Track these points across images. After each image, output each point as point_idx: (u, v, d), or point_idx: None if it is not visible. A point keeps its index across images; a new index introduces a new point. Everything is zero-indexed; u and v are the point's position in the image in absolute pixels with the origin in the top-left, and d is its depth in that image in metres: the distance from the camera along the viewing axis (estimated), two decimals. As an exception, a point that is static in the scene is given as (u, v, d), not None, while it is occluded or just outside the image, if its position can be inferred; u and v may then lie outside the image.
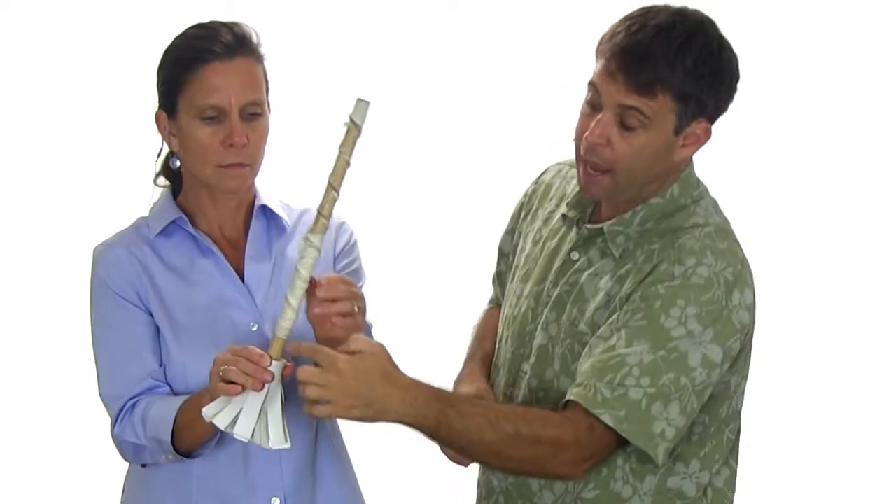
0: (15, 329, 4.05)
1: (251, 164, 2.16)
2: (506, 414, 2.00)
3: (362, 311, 2.10)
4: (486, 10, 4.13)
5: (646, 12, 2.02)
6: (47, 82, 4.03)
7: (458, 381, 2.30)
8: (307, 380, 1.89)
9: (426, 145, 4.14)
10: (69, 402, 3.80)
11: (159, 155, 2.26)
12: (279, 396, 1.98)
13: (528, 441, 1.97)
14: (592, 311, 2.08)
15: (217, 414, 1.97)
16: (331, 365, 1.90)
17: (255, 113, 2.14)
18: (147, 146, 2.28)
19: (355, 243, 2.30)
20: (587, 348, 2.05)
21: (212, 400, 1.98)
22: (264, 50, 2.18)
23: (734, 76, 2.05)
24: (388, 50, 4.09)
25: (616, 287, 2.07)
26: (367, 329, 2.23)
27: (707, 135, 2.06)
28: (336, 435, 2.30)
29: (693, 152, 2.08)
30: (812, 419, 4.02)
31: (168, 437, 2.09)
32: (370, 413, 1.92)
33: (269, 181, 2.28)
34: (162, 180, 2.27)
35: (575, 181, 2.15)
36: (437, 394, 1.96)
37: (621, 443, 2.01)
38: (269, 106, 2.19)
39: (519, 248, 2.30)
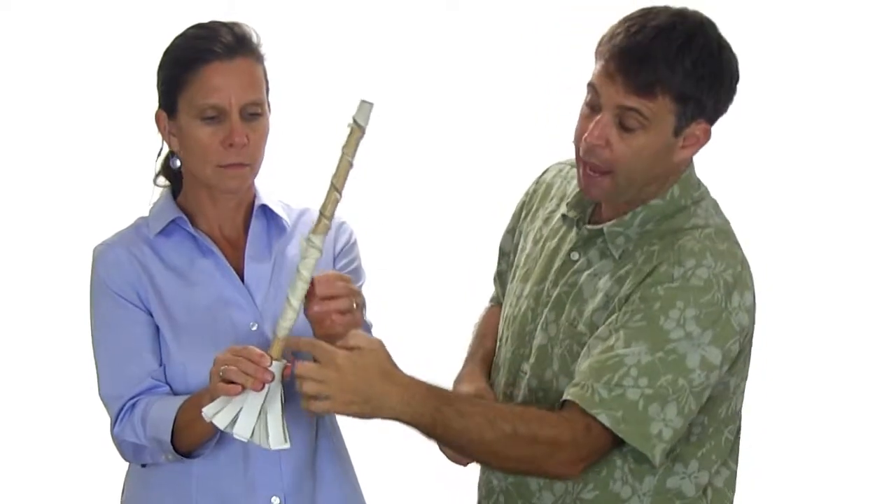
0: (15, 329, 4.05)
1: (251, 164, 2.16)
2: (503, 413, 2.00)
3: (361, 308, 2.10)
4: (486, 10, 4.13)
5: (645, 13, 2.01)
6: (47, 82, 4.03)
7: (457, 381, 2.30)
8: (305, 375, 1.90)
9: (426, 145, 4.15)
10: (69, 402, 3.80)
11: (159, 155, 2.26)
12: (279, 396, 1.98)
13: (526, 440, 1.97)
14: (591, 312, 2.08)
15: (217, 414, 1.97)
16: (329, 360, 1.90)
17: (255, 113, 2.14)
18: (147, 146, 2.28)
19: (355, 243, 2.30)
20: (585, 349, 2.05)
21: (212, 400, 1.98)
22: (264, 50, 2.18)
23: (734, 77, 2.04)
24: (388, 50, 4.09)
25: (615, 288, 2.06)
26: (366, 327, 2.23)
27: (706, 136, 2.05)
28: (336, 434, 2.30)
29: (693, 153, 2.08)
30: (812, 419, 4.02)
31: (168, 437, 2.09)
32: (367, 409, 1.92)
33: (269, 181, 2.28)
34: (162, 180, 2.27)
35: (575, 181, 2.15)
36: (434, 392, 1.96)
37: (618, 443, 2.01)
38: (269, 106, 2.19)
39: (519, 247, 2.30)
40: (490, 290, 2.48)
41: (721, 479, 2.15)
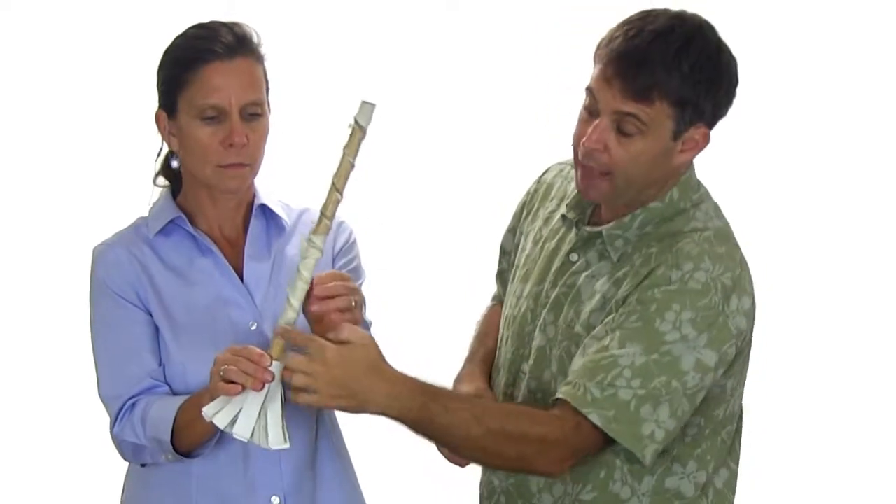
0: (15, 329, 4.05)
1: (251, 164, 2.16)
2: (491, 410, 2.01)
3: (360, 306, 2.11)
4: (486, 10, 4.13)
5: (644, 16, 2.01)
6: (47, 82, 4.03)
7: (457, 381, 2.30)
8: (294, 368, 1.91)
9: (426, 145, 4.14)
10: (69, 402, 3.80)
11: (159, 155, 2.26)
12: (279, 396, 1.98)
13: (513, 438, 1.97)
14: (588, 314, 2.08)
15: (217, 413, 1.97)
16: (318, 354, 1.91)
17: (255, 113, 2.14)
18: (147, 146, 2.28)
19: (354, 242, 2.30)
20: (581, 348, 2.05)
21: (212, 399, 1.98)
22: (264, 50, 2.18)
23: (732, 81, 2.03)
24: (388, 50, 4.09)
25: (612, 290, 2.06)
26: (365, 326, 2.23)
27: (706, 140, 2.05)
28: (336, 434, 2.30)
29: (692, 157, 2.07)
30: (812, 419, 4.02)
31: (168, 437, 2.10)
32: (354, 403, 1.93)
33: (269, 181, 2.28)
34: (161, 180, 2.27)
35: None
36: (422, 388, 1.96)
37: (608, 443, 2.01)
38: (269, 106, 2.19)
39: (520, 247, 2.30)
40: (490, 289, 2.48)
41: (721, 480, 2.15)
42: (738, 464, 2.18)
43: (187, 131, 2.14)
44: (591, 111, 2.03)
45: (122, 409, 2.16)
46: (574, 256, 2.14)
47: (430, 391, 1.97)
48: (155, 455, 2.15)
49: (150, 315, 2.18)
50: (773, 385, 3.81)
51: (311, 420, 2.21)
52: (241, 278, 2.21)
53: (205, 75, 2.12)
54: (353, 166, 1.98)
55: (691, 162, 2.10)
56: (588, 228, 2.13)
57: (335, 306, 2.04)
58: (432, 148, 4.15)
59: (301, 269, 1.99)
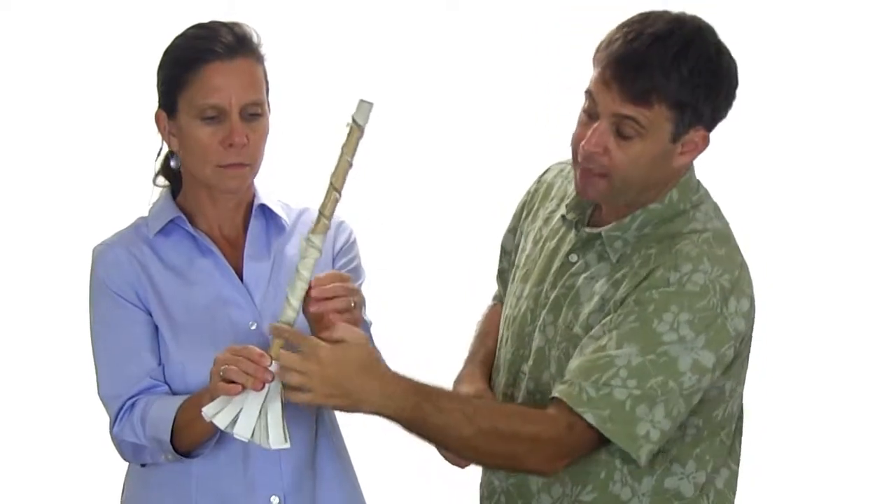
0: (15, 329, 4.05)
1: (251, 164, 2.16)
2: (483, 410, 2.01)
3: (359, 306, 2.11)
4: (486, 10, 4.13)
5: (643, 19, 2.00)
6: (47, 82, 4.03)
7: (458, 381, 2.30)
8: (288, 366, 1.92)
9: (426, 145, 4.14)
10: (69, 402, 3.80)
11: (159, 155, 2.26)
12: (279, 396, 1.98)
13: (505, 437, 1.98)
14: (587, 315, 2.08)
15: (217, 414, 1.97)
16: (312, 353, 1.92)
17: (255, 113, 2.14)
18: (147, 146, 2.28)
19: (354, 242, 2.30)
20: (579, 348, 2.05)
21: (212, 399, 1.98)
22: (264, 50, 2.18)
23: (732, 83, 2.03)
24: (388, 50, 4.09)
25: (611, 291, 2.06)
26: (365, 326, 2.23)
27: (705, 142, 2.05)
28: (336, 434, 2.30)
29: (691, 159, 2.07)
30: (812, 419, 4.02)
31: (167, 437, 2.10)
32: (348, 403, 1.94)
33: (269, 181, 2.28)
34: (161, 180, 2.27)
35: (576, 181, 2.15)
36: (415, 387, 1.97)
37: (602, 442, 2.01)
38: (269, 106, 2.19)
39: (520, 247, 2.30)
40: (490, 289, 2.48)
41: (721, 480, 2.14)
42: (738, 464, 2.18)
43: (187, 131, 2.14)
44: (590, 114, 2.03)
45: (121, 408, 2.16)
46: (574, 257, 2.14)
47: (424, 391, 1.97)
48: (155, 455, 2.15)
49: (150, 315, 2.18)
50: (773, 385, 3.81)
51: (310, 420, 2.21)
52: (241, 278, 2.21)
53: (205, 75, 2.12)
54: (351, 165, 1.98)
55: (691, 163, 2.10)
56: (587, 230, 2.13)
57: (333, 307, 2.04)
58: (432, 148, 4.15)
59: (300, 268, 2.00)
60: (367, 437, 2.68)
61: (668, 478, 2.09)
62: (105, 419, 2.20)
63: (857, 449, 4.00)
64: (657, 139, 2.00)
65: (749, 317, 2.06)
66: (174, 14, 3.57)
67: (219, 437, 2.11)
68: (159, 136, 2.22)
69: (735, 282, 2.03)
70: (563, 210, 2.19)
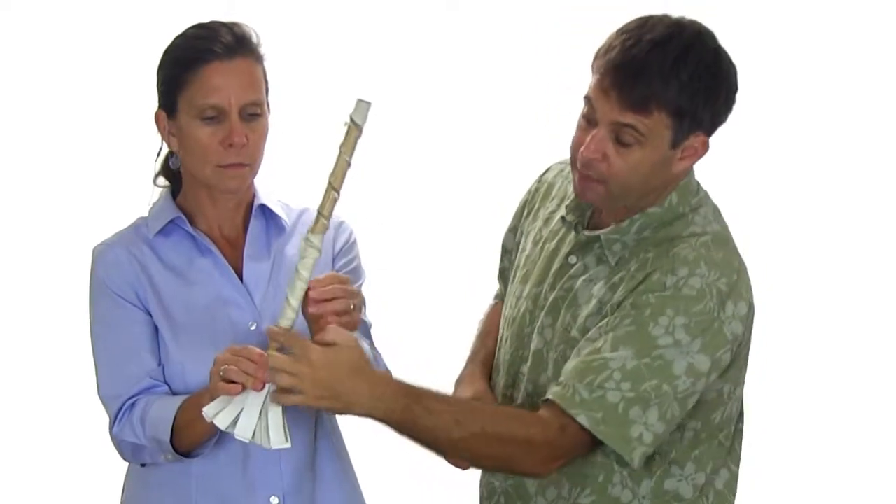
0: (15, 329, 4.05)
1: (250, 164, 2.16)
2: (474, 412, 2.01)
3: (358, 308, 2.11)
4: (486, 10, 4.13)
5: (642, 24, 1.99)
6: (47, 82, 4.03)
7: (458, 382, 2.30)
8: (279, 367, 1.92)
9: (426, 145, 4.14)
10: (69, 402, 3.80)
11: (159, 155, 2.26)
12: (279, 396, 1.98)
13: (495, 439, 1.98)
14: (585, 318, 2.07)
15: (218, 414, 1.97)
16: (303, 355, 1.92)
17: (254, 113, 2.14)
18: (147, 146, 2.28)
19: (354, 242, 2.30)
20: (575, 350, 2.05)
21: (212, 400, 1.98)
22: (264, 50, 2.18)
23: (731, 88, 2.02)
24: (388, 50, 4.09)
25: (608, 294, 2.06)
26: (365, 327, 2.24)
27: (705, 147, 2.04)
28: (336, 434, 2.30)
29: (691, 164, 2.07)
30: (812, 419, 4.02)
31: (167, 437, 2.09)
32: (338, 405, 1.94)
33: (269, 181, 2.28)
34: (161, 180, 2.27)
35: (576, 182, 2.14)
36: (405, 389, 1.97)
37: (595, 444, 2.01)
38: (268, 106, 2.19)
39: (520, 247, 2.30)
40: (490, 288, 2.47)
41: (721, 481, 2.14)
42: (738, 465, 2.17)
43: (187, 131, 2.14)
44: (589, 120, 2.02)
45: (121, 408, 2.16)
46: (573, 259, 2.14)
47: (414, 393, 1.97)
48: (154, 455, 2.15)
49: (150, 315, 2.18)
50: (773, 385, 3.81)
51: (310, 420, 2.21)
52: (241, 278, 2.21)
53: (204, 75, 2.12)
54: (349, 165, 1.98)
55: (691, 168, 2.09)
56: (586, 232, 2.12)
57: (332, 309, 2.04)
58: (432, 148, 4.14)
59: (299, 268, 2.00)
60: (368, 438, 2.68)
61: (667, 480, 2.09)
62: (105, 419, 2.20)
63: (857, 449, 4.00)
64: (657, 146, 1.99)
65: (747, 320, 2.05)
66: (174, 14, 3.57)
67: (219, 437, 2.11)
68: (159, 136, 2.22)
69: (733, 285, 2.02)
70: (562, 211, 2.19)
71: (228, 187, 2.17)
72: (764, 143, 4.00)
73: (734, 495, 2.17)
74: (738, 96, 2.04)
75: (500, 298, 2.43)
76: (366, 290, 2.25)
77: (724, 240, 2.08)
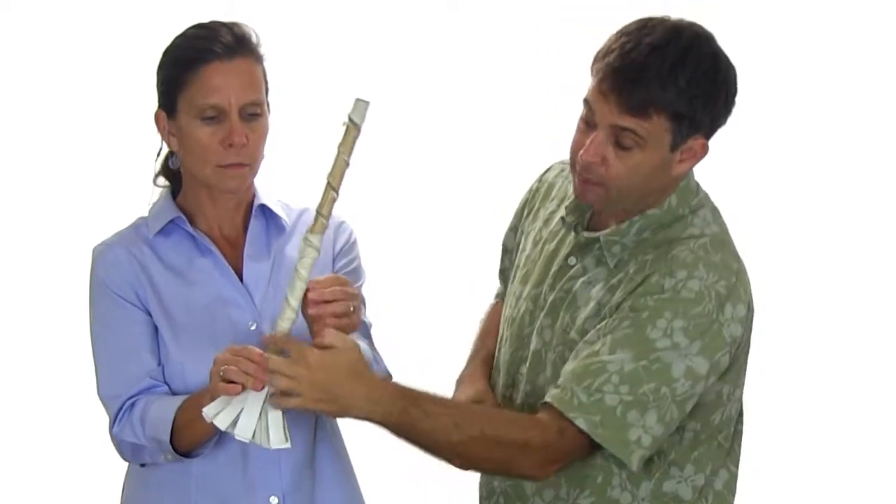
0: (15, 329, 4.05)
1: (250, 164, 2.16)
2: (472, 415, 2.01)
3: (358, 310, 2.11)
4: (486, 11, 4.12)
5: (641, 27, 1.98)
6: (47, 82, 4.03)
7: (459, 382, 2.30)
8: (276, 370, 1.92)
9: (426, 145, 4.14)
10: (69, 402, 3.80)
11: (159, 155, 2.26)
12: (278, 397, 1.98)
13: (493, 443, 1.98)
14: (583, 320, 2.07)
15: (218, 414, 1.97)
16: (301, 357, 1.92)
17: (254, 113, 2.14)
18: (147, 146, 2.28)
19: (354, 242, 2.30)
20: (574, 352, 2.05)
21: (212, 400, 1.99)
22: (264, 50, 2.18)
23: (731, 91, 2.02)
24: (388, 50, 4.09)
25: (607, 296, 2.06)
26: (365, 328, 2.24)
27: (704, 150, 2.04)
28: (336, 434, 2.30)
29: (690, 167, 2.06)
30: (812, 419, 4.02)
31: (167, 437, 2.10)
32: (336, 408, 1.94)
33: (269, 181, 2.28)
34: (161, 180, 2.28)
35: (577, 181, 2.14)
36: (403, 392, 1.97)
37: (593, 447, 2.01)
38: (268, 106, 2.19)
39: (521, 246, 2.30)
40: (490, 288, 2.48)
41: (721, 482, 2.14)
42: (738, 466, 2.17)
43: (187, 131, 2.14)
44: (588, 123, 2.02)
45: (121, 408, 2.16)
46: (572, 260, 2.13)
47: (411, 396, 1.97)
48: (154, 455, 2.15)
49: (150, 315, 2.18)
50: (773, 385, 3.80)
51: (310, 421, 2.21)
52: (241, 278, 2.21)
53: (204, 75, 2.12)
54: (348, 164, 1.98)
55: (690, 170, 2.09)
56: (586, 234, 2.12)
57: (331, 311, 2.04)
58: (432, 148, 4.14)
59: (299, 268, 2.00)
60: (367, 439, 2.68)
61: (667, 481, 2.09)
62: (105, 419, 2.20)
63: (856, 449, 4.00)
64: (656, 149, 1.99)
65: (746, 322, 2.05)
66: (174, 14, 3.57)
67: (218, 437, 2.11)
68: (159, 136, 2.23)
69: (731, 287, 2.02)
70: (562, 212, 2.19)
71: (228, 187, 2.17)
72: (764, 144, 4.00)
73: (733, 496, 2.17)
74: (738, 98, 2.04)
75: (501, 298, 2.43)
76: (366, 291, 2.25)
77: (722, 242, 2.07)
